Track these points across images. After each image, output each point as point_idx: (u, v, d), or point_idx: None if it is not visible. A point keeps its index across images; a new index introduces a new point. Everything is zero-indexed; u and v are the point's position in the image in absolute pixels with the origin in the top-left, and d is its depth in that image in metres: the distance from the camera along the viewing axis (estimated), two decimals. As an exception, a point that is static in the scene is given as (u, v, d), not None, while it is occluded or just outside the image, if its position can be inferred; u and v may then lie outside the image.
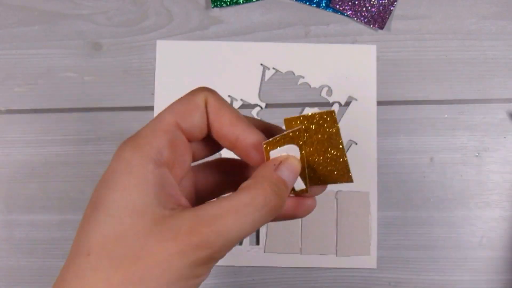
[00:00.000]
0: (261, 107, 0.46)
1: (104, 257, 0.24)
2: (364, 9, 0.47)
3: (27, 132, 0.47)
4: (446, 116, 0.46)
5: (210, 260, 0.24)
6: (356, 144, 0.46)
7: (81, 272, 0.24)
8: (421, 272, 0.45)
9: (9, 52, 0.48)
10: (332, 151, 0.27)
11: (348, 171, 0.28)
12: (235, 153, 0.28)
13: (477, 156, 0.46)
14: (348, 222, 0.45)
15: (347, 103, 0.46)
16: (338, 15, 0.47)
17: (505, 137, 0.46)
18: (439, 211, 0.46)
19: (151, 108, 0.47)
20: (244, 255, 0.45)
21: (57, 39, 0.48)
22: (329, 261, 0.45)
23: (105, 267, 0.24)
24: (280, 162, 0.27)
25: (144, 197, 0.25)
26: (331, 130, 0.27)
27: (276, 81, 0.47)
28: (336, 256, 0.45)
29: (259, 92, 0.47)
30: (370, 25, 0.47)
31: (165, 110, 0.27)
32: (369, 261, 0.45)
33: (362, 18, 0.47)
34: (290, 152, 0.27)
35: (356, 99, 0.46)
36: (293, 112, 0.47)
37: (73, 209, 0.46)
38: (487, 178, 0.46)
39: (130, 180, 0.25)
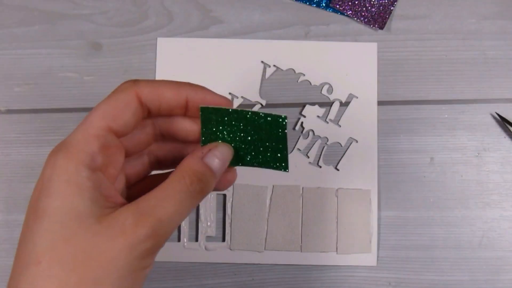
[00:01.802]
0: (262, 105, 0.46)
1: (55, 263, 0.24)
2: (364, 9, 0.47)
3: (27, 132, 0.47)
4: (446, 116, 0.46)
5: (155, 249, 0.26)
6: (356, 142, 0.46)
7: (34, 281, 0.24)
8: (421, 272, 0.45)
9: (9, 52, 0.48)
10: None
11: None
12: (190, 118, 0.30)
13: (477, 156, 0.46)
14: (348, 220, 0.45)
15: (348, 101, 0.46)
16: (338, 15, 0.47)
17: (505, 137, 0.46)
18: (439, 211, 0.46)
19: (151, 108, 0.47)
20: (242, 253, 0.45)
21: (57, 39, 0.48)
22: (330, 258, 0.45)
23: (58, 273, 0.24)
24: (209, 150, 0.28)
25: (85, 201, 0.25)
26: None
27: (276, 78, 0.47)
28: (337, 253, 0.45)
29: (260, 89, 0.47)
30: (370, 25, 0.47)
31: (93, 113, 0.28)
32: (369, 258, 0.45)
33: (362, 18, 0.47)
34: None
35: (356, 97, 0.46)
36: (294, 112, 0.47)
37: (73, 209, 0.46)
38: (487, 178, 0.46)
39: (69, 187, 0.26)
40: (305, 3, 0.47)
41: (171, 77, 0.47)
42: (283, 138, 0.29)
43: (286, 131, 0.28)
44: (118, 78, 0.47)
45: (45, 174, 0.27)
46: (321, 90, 0.47)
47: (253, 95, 0.46)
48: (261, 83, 0.47)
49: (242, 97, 0.46)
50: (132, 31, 0.48)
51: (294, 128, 0.46)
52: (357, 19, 0.47)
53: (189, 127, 0.30)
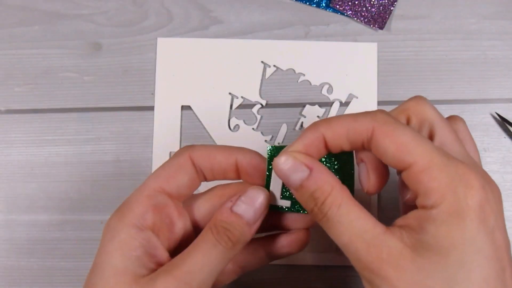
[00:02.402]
0: (262, 105, 0.46)
1: None
2: (364, 9, 0.47)
3: (27, 132, 0.47)
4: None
5: None
6: (356, 143, 0.46)
7: None
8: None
9: (9, 52, 0.48)
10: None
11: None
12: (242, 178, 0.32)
13: (477, 156, 0.46)
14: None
15: (348, 101, 0.46)
16: (338, 15, 0.47)
17: (505, 137, 0.46)
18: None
19: (151, 108, 0.47)
20: (244, 255, 0.45)
21: (57, 39, 0.48)
22: (330, 258, 0.45)
23: None
24: (237, 197, 0.29)
25: (125, 259, 0.27)
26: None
27: (276, 78, 0.47)
28: (337, 254, 0.45)
29: (260, 89, 0.47)
30: (370, 25, 0.47)
31: (150, 177, 0.30)
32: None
33: (362, 18, 0.47)
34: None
35: (356, 97, 0.46)
36: (294, 112, 0.47)
37: (73, 209, 0.46)
38: (487, 178, 0.46)
39: (113, 245, 0.28)
40: (305, 3, 0.47)
41: (171, 77, 0.47)
42: (351, 175, 0.29)
43: (354, 168, 0.29)
44: (118, 78, 0.47)
45: (102, 235, 0.29)
46: (321, 90, 0.47)
47: (253, 95, 0.46)
48: (261, 83, 0.47)
49: (242, 97, 0.46)
50: (132, 31, 0.48)
51: (294, 128, 0.46)
52: (357, 19, 0.47)
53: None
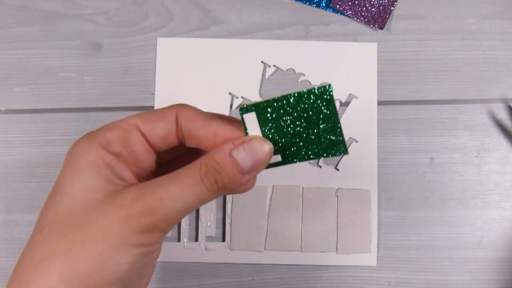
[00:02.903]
0: (262, 106, 0.46)
1: (53, 230, 0.26)
2: (364, 9, 0.47)
3: (27, 132, 0.47)
4: (446, 116, 0.46)
5: (154, 227, 0.26)
6: (356, 142, 0.46)
7: (33, 246, 0.26)
8: (421, 272, 0.45)
9: (9, 52, 0.48)
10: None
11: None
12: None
13: (477, 156, 0.46)
14: (348, 220, 0.45)
15: (348, 101, 0.46)
16: (338, 15, 0.47)
17: (505, 137, 0.46)
18: (439, 211, 0.46)
19: (151, 108, 0.47)
20: (242, 253, 0.45)
21: (57, 39, 0.48)
22: (330, 258, 0.45)
23: (53, 238, 0.25)
24: (241, 142, 0.27)
25: (95, 176, 0.26)
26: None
27: (276, 78, 0.47)
28: (337, 253, 0.45)
29: (260, 89, 0.47)
30: (370, 25, 0.47)
31: (133, 115, 0.29)
32: (369, 258, 0.45)
33: (362, 18, 0.47)
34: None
35: (356, 97, 0.46)
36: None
37: (73, 209, 0.46)
38: (487, 178, 0.46)
39: (81, 162, 0.27)
40: (305, 3, 0.47)
41: (171, 77, 0.47)
42: (333, 114, 0.26)
43: (334, 104, 0.25)
44: (118, 78, 0.47)
45: (68, 153, 0.28)
46: (321, 90, 0.47)
47: (253, 95, 0.46)
48: (261, 83, 0.47)
49: (242, 97, 0.46)
50: (132, 31, 0.48)
51: (294, 128, 0.46)
52: (357, 19, 0.47)
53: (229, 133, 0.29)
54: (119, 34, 0.48)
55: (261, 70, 0.47)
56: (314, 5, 0.47)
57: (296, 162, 0.28)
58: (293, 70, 0.47)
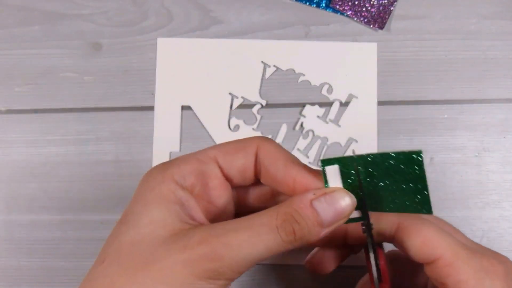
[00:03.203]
0: (262, 105, 0.46)
1: (114, 264, 0.25)
2: (364, 9, 0.47)
3: (27, 132, 0.47)
4: (446, 116, 0.46)
5: (218, 274, 0.24)
6: (356, 142, 0.46)
7: (93, 278, 0.25)
8: (421, 272, 0.45)
9: (9, 52, 0.48)
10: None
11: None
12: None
13: (477, 156, 0.46)
14: (348, 222, 0.45)
15: (348, 101, 0.46)
16: (338, 15, 0.47)
17: (505, 137, 0.46)
18: (439, 211, 0.46)
19: (151, 108, 0.47)
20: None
21: (57, 39, 0.48)
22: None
23: (112, 273, 0.25)
24: (323, 193, 0.26)
25: (164, 211, 0.25)
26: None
27: (276, 78, 0.47)
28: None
29: (260, 89, 0.47)
30: (370, 25, 0.47)
31: (212, 146, 0.29)
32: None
33: (362, 18, 0.47)
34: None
35: (356, 97, 0.46)
36: (294, 112, 0.46)
37: (73, 209, 0.46)
38: (487, 178, 0.46)
39: (152, 195, 0.26)
40: (305, 3, 0.47)
41: (171, 77, 0.47)
42: (421, 177, 0.25)
43: (423, 168, 0.25)
44: (118, 78, 0.47)
45: (138, 185, 0.28)
46: (321, 90, 0.47)
47: (253, 95, 0.47)
48: (261, 83, 0.47)
49: (242, 97, 0.46)
50: (132, 31, 0.48)
51: (294, 128, 0.46)
52: (357, 19, 0.47)
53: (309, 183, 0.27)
54: (119, 34, 0.48)
55: (261, 70, 0.47)
56: (314, 5, 0.47)
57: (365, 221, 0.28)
58: (293, 70, 0.47)
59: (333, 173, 0.26)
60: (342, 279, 0.45)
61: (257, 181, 0.30)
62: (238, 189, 0.30)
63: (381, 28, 0.47)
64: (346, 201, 0.26)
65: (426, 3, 0.47)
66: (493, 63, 0.47)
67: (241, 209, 0.30)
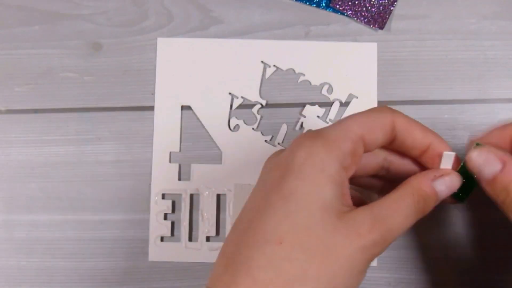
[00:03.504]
0: (262, 105, 0.46)
1: (297, 247, 0.25)
2: (364, 9, 0.47)
3: (27, 132, 0.47)
4: (446, 116, 0.46)
5: (378, 255, 0.27)
6: (356, 143, 0.46)
7: (274, 260, 0.25)
8: (421, 272, 0.45)
9: (9, 52, 0.48)
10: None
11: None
12: (421, 160, 0.32)
13: (477, 156, 0.46)
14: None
15: (348, 101, 0.46)
16: (338, 15, 0.47)
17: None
18: (439, 211, 0.45)
19: (151, 108, 0.47)
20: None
21: (57, 39, 0.48)
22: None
23: (299, 258, 0.25)
24: (441, 175, 0.30)
25: (333, 194, 0.26)
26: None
27: (276, 78, 0.47)
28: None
29: (260, 89, 0.47)
30: (370, 25, 0.47)
31: (351, 119, 0.29)
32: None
33: (362, 18, 0.47)
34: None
35: (356, 97, 0.46)
36: (294, 112, 0.47)
37: (73, 209, 0.46)
38: (487, 178, 0.46)
39: (323, 177, 0.27)
40: (305, 3, 0.47)
41: (171, 77, 0.47)
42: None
43: None
44: (118, 78, 0.47)
45: (298, 157, 0.27)
46: (321, 90, 0.47)
47: (253, 95, 0.46)
48: (261, 83, 0.47)
49: (242, 97, 0.46)
50: (132, 31, 0.48)
51: (294, 128, 0.46)
52: (357, 19, 0.47)
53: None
54: (119, 34, 0.48)
55: (261, 70, 0.47)
56: (314, 5, 0.47)
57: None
58: (293, 70, 0.47)
59: (449, 158, 0.31)
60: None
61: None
62: None
63: (381, 28, 0.47)
64: (455, 183, 0.31)
65: (426, 3, 0.47)
66: (493, 63, 0.47)
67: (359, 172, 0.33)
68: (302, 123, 0.46)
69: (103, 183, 0.46)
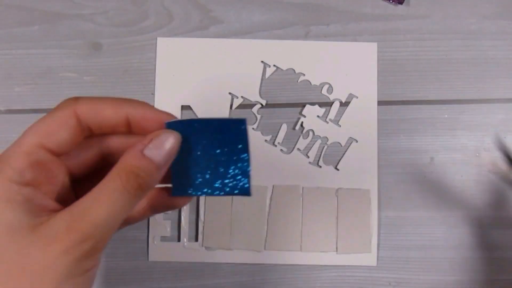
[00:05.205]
0: (262, 105, 0.46)
1: None
2: None
3: (27, 132, 0.47)
4: (446, 116, 0.46)
5: (95, 250, 0.25)
6: (356, 141, 0.46)
7: None
8: (421, 272, 0.45)
9: (9, 52, 0.48)
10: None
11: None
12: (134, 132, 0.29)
13: (477, 156, 0.46)
14: (348, 220, 0.45)
15: (348, 101, 0.46)
16: (338, 15, 0.47)
17: (505, 137, 0.46)
18: (439, 211, 0.46)
19: (151, 108, 0.47)
20: (242, 253, 0.45)
21: (57, 39, 0.48)
22: (330, 258, 0.45)
23: None
24: (150, 139, 0.27)
25: (15, 214, 0.25)
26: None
27: (276, 78, 0.47)
28: (337, 253, 0.45)
29: (260, 89, 0.47)
30: (390, 0, 0.47)
31: (27, 131, 0.28)
32: (369, 258, 0.45)
33: None
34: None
35: (356, 97, 0.46)
36: (294, 111, 0.46)
37: (73, 209, 0.46)
38: (487, 178, 0.46)
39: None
40: None
41: (171, 77, 0.47)
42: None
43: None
44: (118, 78, 0.47)
45: None
46: (321, 90, 0.47)
47: (253, 95, 0.46)
48: (261, 83, 0.47)
49: (242, 97, 0.46)
50: (132, 31, 0.48)
51: (294, 128, 0.46)
52: None
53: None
54: (119, 34, 0.48)
55: (261, 70, 0.47)
56: None
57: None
58: (293, 70, 0.47)
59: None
60: (341, 279, 0.45)
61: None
62: (67, 159, 0.30)
63: (401, 3, 0.47)
64: (171, 141, 0.28)
65: (426, 3, 0.47)
66: (493, 63, 0.47)
67: (77, 173, 0.30)
68: (302, 123, 0.46)
69: (103, 183, 0.46)
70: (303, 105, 0.46)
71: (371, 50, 0.47)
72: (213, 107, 0.46)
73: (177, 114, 0.46)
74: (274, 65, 0.47)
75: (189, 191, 0.28)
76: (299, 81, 0.47)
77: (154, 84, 0.47)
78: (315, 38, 0.47)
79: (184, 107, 0.47)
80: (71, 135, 0.28)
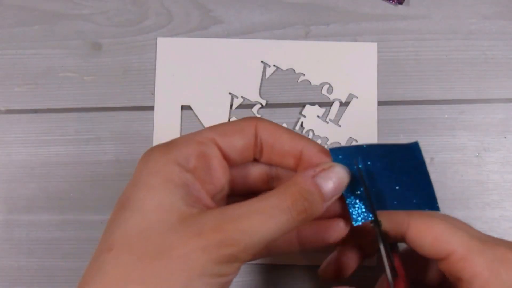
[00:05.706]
0: (262, 105, 0.46)
1: (125, 252, 0.24)
2: None
3: (27, 132, 0.47)
4: (446, 116, 0.46)
5: (235, 259, 0.24)
6: (356, 142, 0.46)
7: (103, 268, 0.24)
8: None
9: (9, 52, 0.48)
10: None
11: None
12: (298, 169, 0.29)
13: (477, 156, 0.46)
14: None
15: (348, 101, 0.46)
16: (338, 15, 0.47)
17: (505, 137, 0.46)
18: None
19: (151, 108, 0.47)
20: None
21: (57, 39, 0.48)
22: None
23: (125, 263, 0.24)
24: (322, 169, 0.27)
25: (171, 195, 0.25)
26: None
27: (276, 78, 0.47)
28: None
29: (260, 89, 0.47)
30: (389, 0, 0.47)
31: (206, 128, 0.29)
32: (369, 258, 0.45)
33: None
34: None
35: (356, 97, 0.46)
36: (294, 112, 0.46)
37: (73, 209, 0.46)
38: (487, 178, 0.46)
39: (157, 179, 0.25)
40: None
41: (171, 77, 0.47)
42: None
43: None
44: (118, 78, 0.47)
45: (138, 167, 0.27)
46: (321, 90, 0.47)
47: (253, 95, 0.46)
48: (261, 83, 0.47)
49: (242, 97, 0.46)
50: (132, 31, 0.48)
51: (294, 128, 0.46)
52: None
53: None
54: (119, 34, 0.48)
55: (261, 70, 0.47)
56: None
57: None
58: (293, 70, 0.47)
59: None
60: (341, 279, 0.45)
61: (252, 161, 0.30)
62: (232, 169, 0.30)
63: (401, 3, 0.47)
64: (341, 174, 0.27)
65: (426, 3, 0.47)
66: (493, 63, 0.47)
67: (235, 188, 0.31)
68: (302, 123, 0.46)
69: (103, 183, 0.46)
70: (303, 105, 0.46)
71: (371, 50, 0.47)
72: (213, 107, 0.46)
73: (177, 114, 0.46)
74: (274, 65, 0.47)
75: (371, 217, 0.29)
76: (299, 81, 0.47)
77: (154, 84, 0.47)
78: (315, 38, 0.47)
79: (184, 107, 0.47)
80: (244, 144, 0.28)
